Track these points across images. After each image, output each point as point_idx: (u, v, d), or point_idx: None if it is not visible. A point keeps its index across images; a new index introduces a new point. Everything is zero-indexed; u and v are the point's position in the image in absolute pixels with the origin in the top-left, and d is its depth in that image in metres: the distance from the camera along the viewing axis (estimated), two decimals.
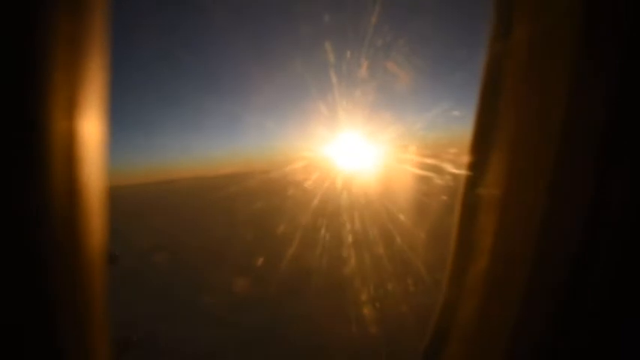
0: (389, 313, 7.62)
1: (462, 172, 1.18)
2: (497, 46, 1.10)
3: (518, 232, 1.06)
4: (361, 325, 7.63)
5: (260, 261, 10.72)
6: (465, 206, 1.19)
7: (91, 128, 0.75)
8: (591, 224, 0.95)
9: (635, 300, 0.93)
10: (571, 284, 0.99)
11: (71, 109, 0.71)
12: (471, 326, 1.18)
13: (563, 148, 0.97)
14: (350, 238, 10.05)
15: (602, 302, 0.98)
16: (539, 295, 1.04)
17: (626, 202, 0.92)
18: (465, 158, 1.15)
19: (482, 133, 1.13)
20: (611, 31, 0.92)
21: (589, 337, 0.99)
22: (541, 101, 1.01)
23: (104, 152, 0.80)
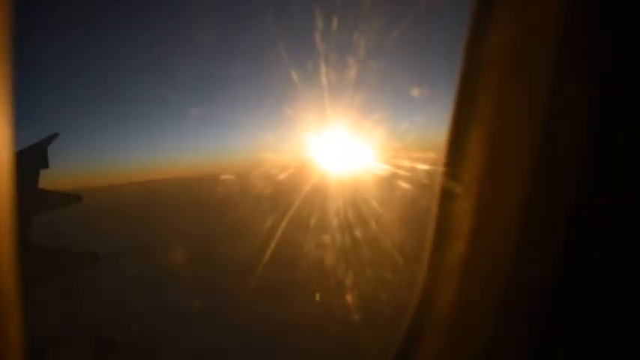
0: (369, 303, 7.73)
1: (440, 168, 1.18)
2: (475, 49, 1.08)
3: (497, 229, 1.05)
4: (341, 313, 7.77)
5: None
6: (442, 202, 1.19)
7: None
8: (572, 221, 0.93)
9: (621, 291, 0.94)
10: (554, 279, 0.96)
11: None
12: (450, 316, 1.16)
13: (543, 148, 0.96)
14: (329, 238, 10.10)
15: (586, 293, 0.95)
16: (519, 292, 1.02)
17: (608, 201, 0.91)
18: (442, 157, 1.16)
19: (460, 129, 1.13)
20: (592, 32, 0.90)
21: (574, 322, 0.97)
22: (521, 102, 1.01)
23: (10, 154, 0.77)
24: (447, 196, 1.17)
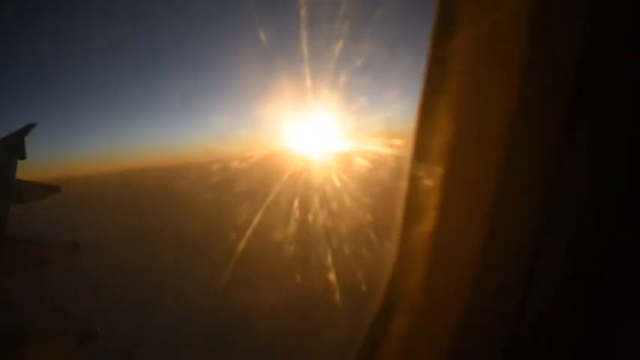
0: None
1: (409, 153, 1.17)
2: (441, 44, 1.09)
3: (466, 213, 1.07)
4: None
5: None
6: (411, 182, 1.18)
7: None
8: (542, 215, 0.95)
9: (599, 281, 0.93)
10: (527, 258, 0.97)
11: None
12: (421, 296, 1.16)
13: (512, 142, 0.96)
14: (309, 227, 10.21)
15: (558, 273, 0.96)
16: (491, 273, 1.02)
17: (579, 194, 0.93)
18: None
19: (428, 110, 1.12)
20: (564, 25, 0.91)
21: (548, 302, 0.97)
22: (490, 98, 1.02)
23: None
24: (415, 176, 1.16)
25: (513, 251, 1.01)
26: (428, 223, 1.12)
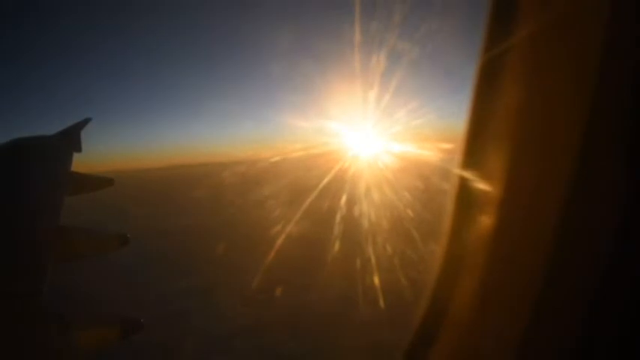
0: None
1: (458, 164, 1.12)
2: (496, 41, 1.00)
3: (531, 217, 0.98)
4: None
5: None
6: (461, 191, 1.13)
7: None
8: (621, 233, 0.86)
9: None
10: (595, 280, 0.89)
11: None
12: (469, 312, 1.09)
13: (584, 149, 0.87)
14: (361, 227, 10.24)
15: (630, 298, 0.88)
16: (553, 293, 0.94)
17: None
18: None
19: (479, 125, 1.07)
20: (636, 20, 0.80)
21: (615, 329, 0.90)
22: (557, 101, 0.93)
23: None
24: (466, 179, 1.10)
25: (587, 256, 0.92)
26: (481, 225, 1.05)
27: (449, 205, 1.15)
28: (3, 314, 1.73)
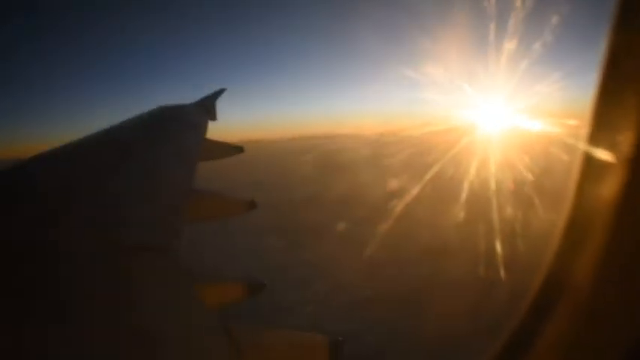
0: None
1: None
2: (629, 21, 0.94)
3: None
4: None
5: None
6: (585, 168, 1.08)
7: None
8: None
9: None
10: None
11: None
12: (591, 297, 1.00)
13: None
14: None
15: None
16: None
17: None
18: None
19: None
20: None
21: None
22: None
23: None
24: (592, 161, 1.05)
25: None
26: (606, 201, 0.98)
27: (574, 178, 1.10)
28: (138, 267, 1.86)
